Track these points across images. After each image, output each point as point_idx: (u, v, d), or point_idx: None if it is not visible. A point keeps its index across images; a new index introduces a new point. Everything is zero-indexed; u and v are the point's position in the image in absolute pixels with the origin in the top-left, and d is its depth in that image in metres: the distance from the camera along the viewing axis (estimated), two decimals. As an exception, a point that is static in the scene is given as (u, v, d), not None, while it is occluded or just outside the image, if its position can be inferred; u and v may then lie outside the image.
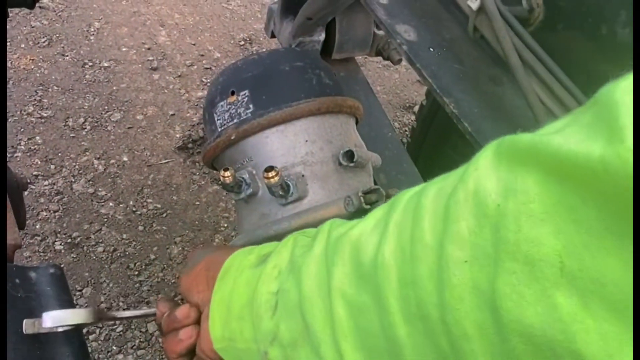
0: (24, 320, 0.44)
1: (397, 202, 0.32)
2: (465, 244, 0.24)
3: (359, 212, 0.61)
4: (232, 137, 0.65)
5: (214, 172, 1.05)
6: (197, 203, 1.72)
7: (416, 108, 2.09)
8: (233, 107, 0.67)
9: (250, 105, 0.65)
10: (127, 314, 0.52)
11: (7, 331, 0.44)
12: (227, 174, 0.61)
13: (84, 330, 1.36)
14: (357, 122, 0.73)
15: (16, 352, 0.43)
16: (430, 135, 1.32)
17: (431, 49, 0.58)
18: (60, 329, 0.45)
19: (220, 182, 0.63)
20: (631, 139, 0.19)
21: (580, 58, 0.56)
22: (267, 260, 0.39)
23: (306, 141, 0.65)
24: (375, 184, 0.69)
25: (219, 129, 0.67)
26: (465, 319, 0.24)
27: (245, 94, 0.66)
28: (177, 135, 1.89)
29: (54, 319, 0.44)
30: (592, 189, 0.20)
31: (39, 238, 1.53)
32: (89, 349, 1.31)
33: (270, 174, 0.58)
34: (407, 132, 2.09)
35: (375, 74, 2.37)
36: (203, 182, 1.78)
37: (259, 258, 0.42)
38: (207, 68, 2.17)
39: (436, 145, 1.31)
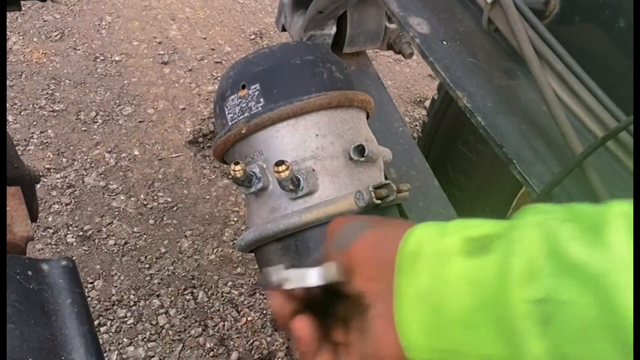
0: (265, 269, 0.41)
1: None
2: None
3: (370, 207, 0.61)
4: (243, 131, 0.65)
5: (224, 166, 1.05)
6: (208, 197, 1.72)
7: (427, 103, 2.07)
8: (244, 100, 0.66)
9: (261, 99, 0.65)
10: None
11: (19, 322, 0.44)
12: (238, 167, 0.61)
13: (95, 322, 1.37)
14: (367, 117, 0.73)
15: (29, 344, 0.44)
16: (442, 130, 1.31)
17: (444, 42, 0.57)
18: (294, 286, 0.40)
19: (230, 176, 0.63)
20: None
21: (598, 51, 0.55)
22: (490, 251, 0.30)
23: (317, 135, 0.64)
24: (386, 178, 0.69)
25: (230, 123, 0.67)
26: None
27: (256, 88, 0.66)
28: (188, 130, 1.89)
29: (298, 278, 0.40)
30: None
31: (51, 231, 1.55)
32: (100, 341, 1.33)
33: (281, 168, 0.58)
34: (418, 127, 2.08)
35: (386, 68, 2.35)
36: (213, 176, 1.78)
37: (469, 243, 0.31)
38: (217, 62, 2.17)
39: (447, 140, 1.30)
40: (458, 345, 0.30)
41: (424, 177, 0.96)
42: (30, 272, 0.49)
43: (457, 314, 0.30)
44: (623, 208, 0.28)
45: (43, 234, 1.53)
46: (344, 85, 0.68)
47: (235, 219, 1.67)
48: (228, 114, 0.68)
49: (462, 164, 1.26)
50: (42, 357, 0.44)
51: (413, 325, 0.32)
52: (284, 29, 1.12)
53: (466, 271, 0.30)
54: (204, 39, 2.27)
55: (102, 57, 2.08)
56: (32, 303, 0.46)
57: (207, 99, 2.01)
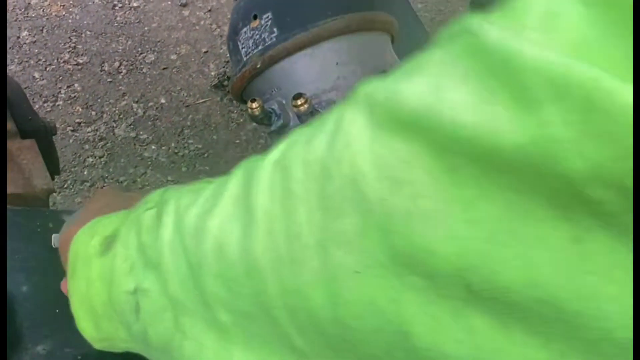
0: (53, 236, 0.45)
1: (254, 178, 0.24)
2: (353, 248, 0.20)
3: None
4: (258, 66, 0.61)
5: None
6: (237, 141, 1.71)
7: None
8: (257, 32, 0.62)
9: (275, 29, 0.61)
10: None
11: (43, 274, 0.44)
12: (255, 105, 0.58)
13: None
14: (392, 41, 0.67)
15: (55, 292, 0.44)
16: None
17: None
18: None
19: (249, 115, 0.60)
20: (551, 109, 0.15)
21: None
22: (113, 247, 0.34)
23: (337, 64, 0.60)
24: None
25: (244, 58, 0.63)
26: (372, 341, 0.20)
27: (268, 17, 0.61)
28: (212, 73, 1.86)
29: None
30: (495, 178, 0.16)
31: (88, 184, 1.58)
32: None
33: (299, 102, 0.55)
34: (450, 53, 1.98)
35: (414, -8, 2.21)
36: (242, 120, 1.76)
37: (103, 242, 0.35)
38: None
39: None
40: (109, 335, 0.35)
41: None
42: (51, 225, 0.48)
43: (101, 309, 0.34)
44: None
45: (80, 187, 1.57)
46: (363, 7, 0.63)
47: (267, 161, 1.66)
48: (242, 48, 0.64)
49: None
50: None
51: (82, 322, 0.36)
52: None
53: (100, 271, 0.34)
54: (221, -24, 2.18)
55: (120, 5, 2.04)
56: (55, 254, 0.45)
57: (229, 41, 1.96)
